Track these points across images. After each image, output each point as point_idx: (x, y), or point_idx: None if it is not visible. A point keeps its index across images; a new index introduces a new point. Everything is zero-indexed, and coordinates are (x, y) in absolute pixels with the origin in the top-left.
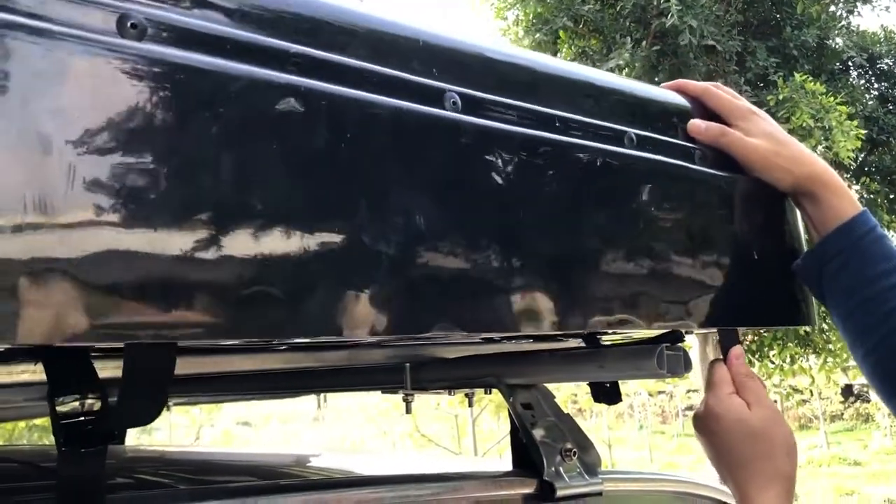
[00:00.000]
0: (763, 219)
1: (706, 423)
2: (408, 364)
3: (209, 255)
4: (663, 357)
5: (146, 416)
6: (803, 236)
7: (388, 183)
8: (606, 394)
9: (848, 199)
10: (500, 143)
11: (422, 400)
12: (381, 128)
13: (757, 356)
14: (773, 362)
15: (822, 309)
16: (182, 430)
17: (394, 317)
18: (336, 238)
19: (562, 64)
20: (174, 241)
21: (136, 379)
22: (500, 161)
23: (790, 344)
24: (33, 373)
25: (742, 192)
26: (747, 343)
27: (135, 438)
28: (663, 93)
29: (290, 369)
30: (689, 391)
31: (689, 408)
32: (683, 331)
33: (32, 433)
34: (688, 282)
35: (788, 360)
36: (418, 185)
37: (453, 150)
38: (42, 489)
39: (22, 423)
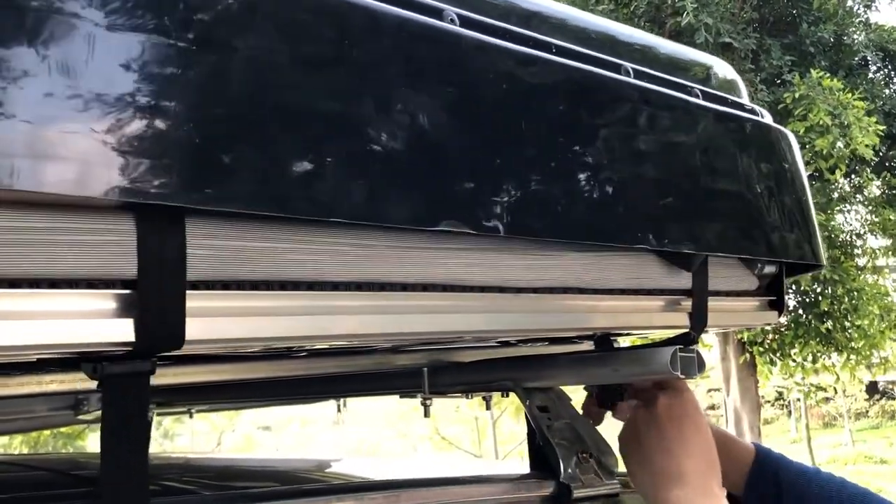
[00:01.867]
0: (767, 157)
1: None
2: (425, 368)
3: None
4: (676, 358)
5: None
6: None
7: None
8: (611, 395)
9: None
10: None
11: (442, 402)
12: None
13: (778, 355)
14: (794, 361)
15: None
16: (203, 436)
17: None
18: (358, 133)
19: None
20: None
21: None
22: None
23: (812, 342)
24: (61, 382)
25: (739, 130)
26: (767, 341)
27: (157, 445)
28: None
29: (309, 376)
30: (710, 390)
31: (712, 406)
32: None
33: (57, 440)
34: (696, 205)
35: (810, 358)
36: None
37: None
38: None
39: (46, 432)
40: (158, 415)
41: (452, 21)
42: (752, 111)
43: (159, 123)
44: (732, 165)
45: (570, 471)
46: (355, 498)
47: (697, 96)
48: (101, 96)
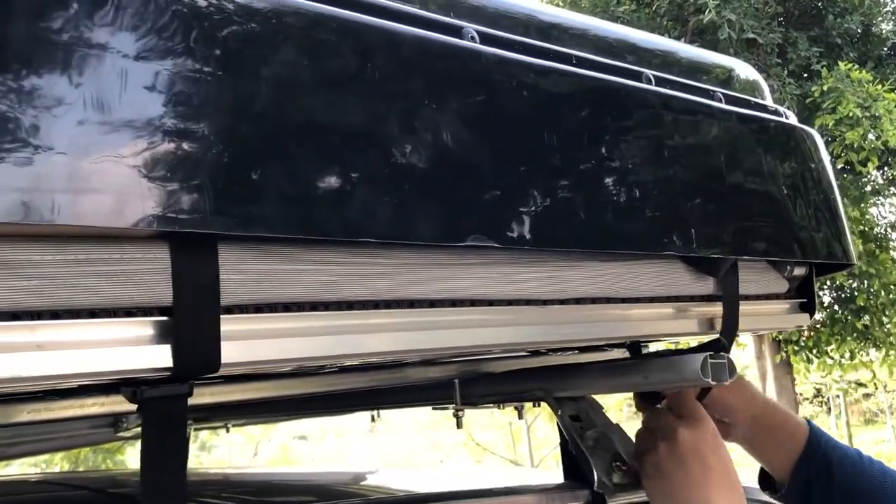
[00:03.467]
0: (792, 157)
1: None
2: (457, 380)
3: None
4: (707, 365)
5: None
6: (832, 176)
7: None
8: (648, 397)
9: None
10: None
11: (475, 409)
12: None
13: (814, 352)
14: (831, 358)
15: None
16: (240, 447)
17: (431, 224)
18: (381, 154)
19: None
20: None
21: None
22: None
23: (848, 339)
24: (102, 405)
25: (763, 132)
26: (803, 339)
27: (194, 457)
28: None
29: (342, 391)
30: None
31: None
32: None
33: (97, 455)
34: (723, 209)
35: (848, 355)
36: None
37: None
38: None
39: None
40: (196, 430)
41: (472, 38)
42: (776, 112)
43: (191, 152)
44: (757, 168)
45: (603, 480)
46: None
47: (720, 100)
48: (133, 129)
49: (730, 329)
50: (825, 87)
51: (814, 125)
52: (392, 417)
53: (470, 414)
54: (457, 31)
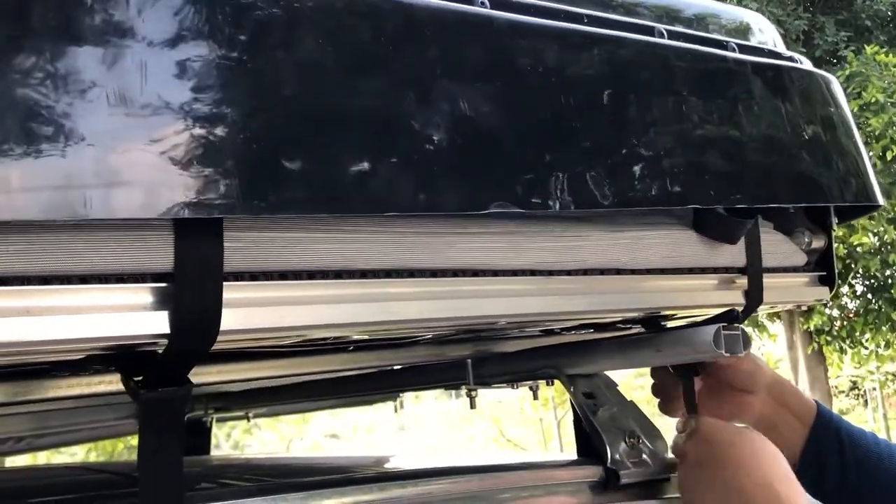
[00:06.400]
0: (809, 102)
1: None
2: (469, 360)
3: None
4: (720, 337)
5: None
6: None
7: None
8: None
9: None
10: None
11: (506, 404)
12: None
13: (848, 342)
14: (866, 348)
15: None
16: (272, 445)
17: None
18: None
19: None
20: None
21: None
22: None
23: (883, 328)
24: (109, 383)
25: (774, 79)
26: (836, 329)
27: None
28: None
29: (355, 372)
30: None
31: None
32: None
33: (132, 453)
34: (743, 159)
35: (883, 344)
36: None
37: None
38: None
39: (121, 445)
40: (218, 420)
41: (483, 4)
42: (790, 59)
43: (197, 137)
44: (775, 114)
45: (617, 456)
46: (400, 485)
47: (734, 50)
48: (153, 122)
49: (753, 301)
50: (848, 72)
51: None
52: (423, 412)
53: (500, 409)
54: None
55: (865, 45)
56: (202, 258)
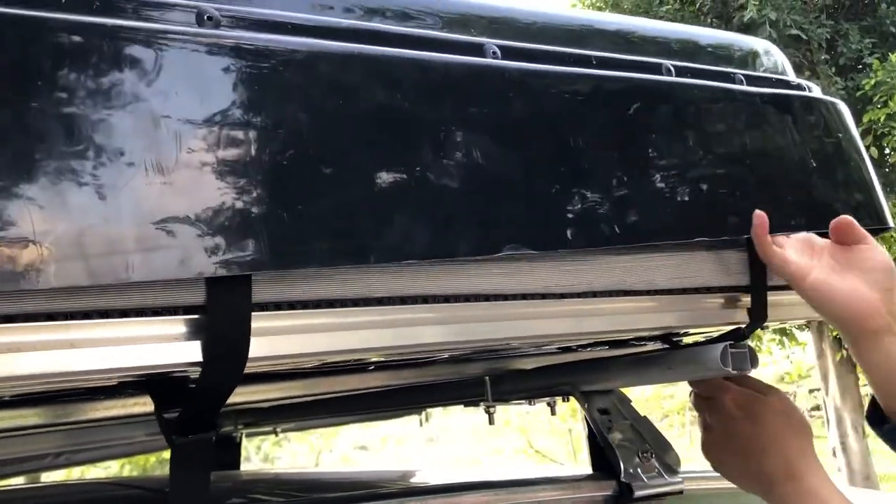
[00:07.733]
0: (817, 129)
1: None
2: (488, 377)
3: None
4: (727, 354)
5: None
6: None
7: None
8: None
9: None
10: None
11: (534, 415)
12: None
13: None
14: None
15: None
16: (302, 458)
17: (468, 239)
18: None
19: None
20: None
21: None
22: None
23: None
24: (144, 405)
25: (782, 108)
26: None
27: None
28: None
29: (377, 389)
30: (812, 391)
31: (816, 407)
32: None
33: (164, 467)
34: (756, 187)
35: None
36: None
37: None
38: None
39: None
40: (247, 435)
41: (494, 54)
42: (799, 87)
43: (239, 204)
44: (783, 144)
45: (630, 470)
46: (419, 500)
47: (741, 82)
48: (185, 188)
49: (757, 318)
50: (874, 81)
51: (863, 120)
52: (451, 424)
53: (528, 421)
54: (478, 49)
55: (890, 52)
56: (232, 295)
